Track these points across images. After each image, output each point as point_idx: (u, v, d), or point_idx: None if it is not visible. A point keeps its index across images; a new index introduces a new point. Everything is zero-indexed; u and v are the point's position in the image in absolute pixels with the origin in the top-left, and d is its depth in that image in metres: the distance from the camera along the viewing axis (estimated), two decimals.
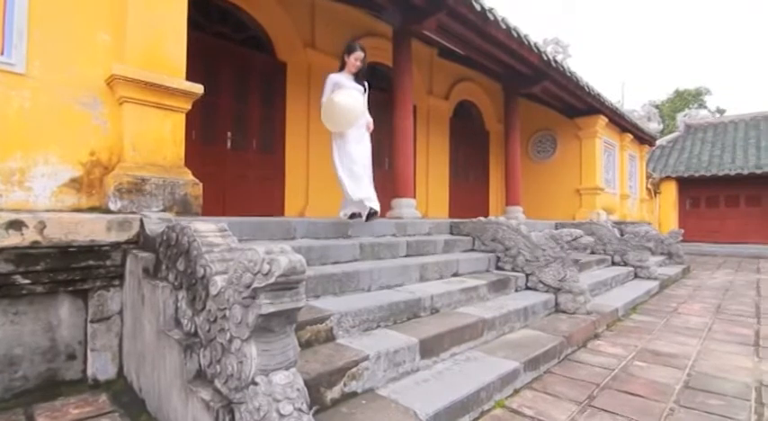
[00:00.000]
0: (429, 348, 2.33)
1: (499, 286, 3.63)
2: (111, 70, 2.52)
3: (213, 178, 4.86)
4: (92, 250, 2.24)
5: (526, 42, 5.82)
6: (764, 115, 15.54)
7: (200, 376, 1.70)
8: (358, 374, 1.92)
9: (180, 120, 2.85)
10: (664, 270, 6.87)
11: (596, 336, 3.39)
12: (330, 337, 2.19)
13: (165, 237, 2.07)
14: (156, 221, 2.36)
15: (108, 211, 2.46)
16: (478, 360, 2.43)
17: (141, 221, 2.39)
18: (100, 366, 2.30)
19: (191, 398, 1.63)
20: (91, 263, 2.25)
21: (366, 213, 3.57)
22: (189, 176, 2.85)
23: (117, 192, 2.49)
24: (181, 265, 1.89)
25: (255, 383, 1.40)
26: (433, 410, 1.79)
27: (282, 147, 5.65)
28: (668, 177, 13.95)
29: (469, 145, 8.98)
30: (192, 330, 1.78)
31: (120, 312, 2.38)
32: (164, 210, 2.64)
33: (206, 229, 1.86)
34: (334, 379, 1.82)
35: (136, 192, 2.55)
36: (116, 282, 2.37)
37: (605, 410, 2.08)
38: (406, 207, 4.99)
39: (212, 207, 4.60)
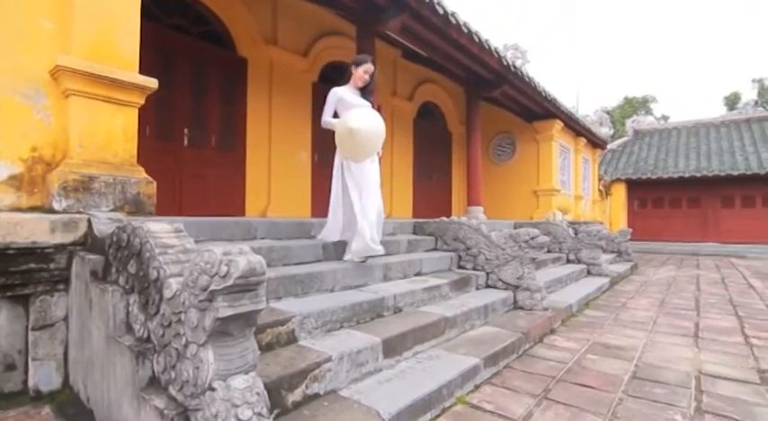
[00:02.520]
0: (392, 348, 2.34)
1: (461, 285, 3.71)
2: (56, 61, 2.37)
3: (169, 176, 4.67)
4: (33, 252, 2.10)
5: (487, 47, 5.98)
6: (703, 123, 16.73)
7: (154, 383, 1.63)
8: (320, 376, 1.90)
9: (132, 116, 2.72)
10: (614, 267, 7.24)
11: (552, 332, 3.52)
12: (292, 339, 2.15)
13: (115, 239, 1.97)
14: (105, 222, 2.23)
15: (52, 211, 2.31)
16: (441, 358, 2.47)
17: (89, 222, 2.26)
18: (43, 376, 2.15)
19: (143, 406, 1.56)
20: (32, 266, 2.10)
21: (365, 256, 3.14)
22: (142, 174, 2.72)
23: (62, 190, 2.34)
24: (132, 268, 1.80)
25: (213, 389, 1.36)
26: (396, 409, 1.80)
27: (243, 145, 5.51)
28: (618, 179, 14.73)
29: (433, 146, 9.12)
30: (145, 336, 1.70)
31: (66, 318, 2.24)
32: (114, 210, 2.51)
33: (160, 230, 1.78)
34: (295, 381, 1.80)
35: (83, 190, 2.40)
36: (61, 287, 2.22)
37: (560, 402, 2.16)
38: None
39: (168, 207, 4.42)
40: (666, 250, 13.49)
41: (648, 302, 4.95)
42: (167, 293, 1.55)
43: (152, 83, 2.72)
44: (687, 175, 13.43)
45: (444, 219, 4.67)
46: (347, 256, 3.17)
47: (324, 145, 6.54)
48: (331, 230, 3.35)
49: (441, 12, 4.92)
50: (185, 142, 4.97)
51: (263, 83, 5.66)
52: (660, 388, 2.38)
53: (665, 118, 27.02)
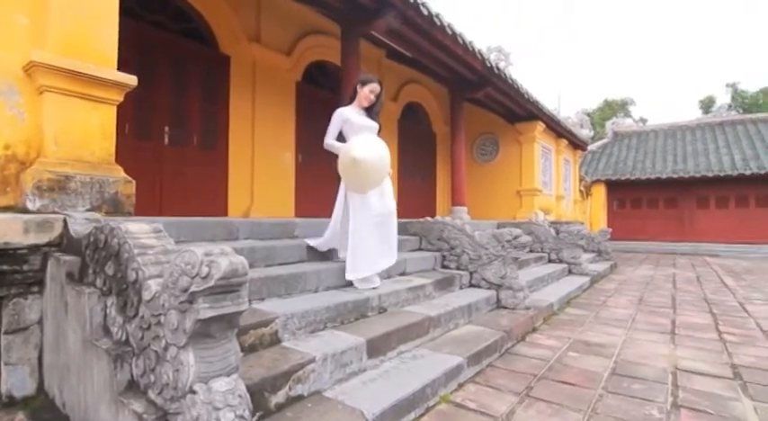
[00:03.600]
0: (376, 347, 2.34)
1: (445, 284, 3.73)
2: (30, 57, 2.30)
3: (148, 176, 4.58)
4: (5, 254, 2.03)
5: (471, 48, 6.03)
6: (680, 125, 17.20)
7: (133, 387, 1.59)
8: (304, 377, 1.89)
9: (110, 113, 2.65)
10: (594, 266, 7.39)
11: (534, 330, 3.57)
12: (275, 341, 2.13)
13: (92, 239, 1.92)
14: (81, 222, 2.18)
15: (26, 211, 2.24)
16: (425, 357, 2.47)
17: (65, 222, 2.20)
18: (16, 381, 2.08)
19: (122, 411, 1.52)
20: (4, 268, 2.03)
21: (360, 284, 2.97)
22: (120, 173, 2.66)
23: (36, 189, 2.27)
24: (110, 269, 1.76)
25: (194, 392, 1.34)
26: (380, 409, 1.80)
27: (225, 143, 5.43)
28: (598, 180, 15.03)
29: (417, 146, 9.15)
30: (123, 338, 1.67)
31: (40, 322, 2.17)
32: (91, 210, 2.44)
33: (139, 230, 1.74)
34: (278, 383, 1.78)
35: (58, 190, 2.34)
36: (35, 289, 2.16)
37: (542, 400, 2.19)
38: None
39: (148, 207, 4.33)
40: (644, 249, 13.83)
41: (627, 300, 5.07)
42: (146, 295, 1.52)
43: (131, 80, 2.66)
44: (664, 177, 13.80)
45: (429, 219, 4.69)
46: (349, 275, 2.96)
47: (308, 145, 6.51)
48: (324, 243, 3.26)
49: (426, 13, 4.94)
50: (166, 141, 4.87)
51: (247, 81, 5.60)
52: (638, 383, 2.44)
53: (644, 120, 27.66)
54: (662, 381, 2.48)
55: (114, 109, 2.68)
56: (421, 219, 4.72)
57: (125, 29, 2.83)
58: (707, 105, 28.04)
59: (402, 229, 4.80)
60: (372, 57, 7.41)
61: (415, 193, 9.04)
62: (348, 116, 3.12)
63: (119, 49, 2.69)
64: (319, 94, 6.70)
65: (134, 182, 2.71)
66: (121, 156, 2.77)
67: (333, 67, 6.64)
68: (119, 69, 2.64)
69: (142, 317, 1.55)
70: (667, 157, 15.06)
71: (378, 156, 2.84)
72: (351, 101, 3.24)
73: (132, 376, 1.60)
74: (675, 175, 13.63)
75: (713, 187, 13.53)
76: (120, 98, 2.69)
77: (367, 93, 3.15)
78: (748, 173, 12.50)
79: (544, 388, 2.35)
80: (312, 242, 3.27)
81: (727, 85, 28.11)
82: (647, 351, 3.07)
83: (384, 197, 3.08)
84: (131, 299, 1.63)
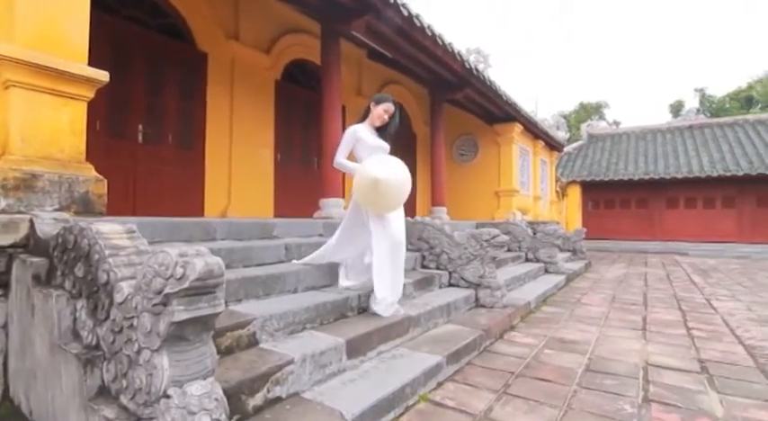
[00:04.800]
0: (356, 348, 2.33)
1: (424, 284, 3.75)
2: None
3: (121, 175, 4.46)
4: None
5: (451, 50, 6.08)
6: (651, 128, 17.77)
7: (104, 393, 1.55)
8: (282, 379, 1.87)
9: (81, 110, 2.57)
10: (570, 265, 7.55)
11: (512, 328, 3.63)
12: (253, 342, 2.10)
13: (60, 240, 1.85)
14: (49, 222, 2.10)
15: None
16: (404, 356, 2.48)
17: (31, 222, 2.12)
18: None
19: (92, 417, 1.47)
20: None
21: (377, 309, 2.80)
22: (91, 172, 2.58)
23: (1, 188, 2.17)
24: (80, 271, 1.70)
25: (168, 396, 1.30)
26: (360, 409, 1.80)
27: (202, 142, 5.33)
28: (574, 181, 15.39)
29: (398, 146, 9.09)
30: (94, 342, 1.61)
31: (5, 326, 2.08)
32: (60, 210, 2.36)
33: (110, 231, 1.69)
34: (256, 385, 1.75)
35: (25, 188, 2.25)
36: None
37: (519, 396, 2.23)
38: (335, 207, 4.96)
39: (120, 207, 4.21)
40: (618, 248, 14.23)
41: (601, 298, 5.20)
42: (118, 297, 1.48)
43: (102, 75, 2.58)
44: (636, 178, 14.23)
45: (408, 219, 4.69)
46: (375, 307, 2.79)
47: (287, 144, 6.45)
48: (318, 257, 3.13)
49: (405, 14, 4.96)
50: (140, 139, 4.75)
51: (225, 79, 5.51)
52: (611, 379, 2.50)
53: (617, 123, 28.50)
54: (633, 376, 2.56)
55: (85, 105, 2.59)
56: None
57: (98, 23, 2.75)
58: (676, 109, 29.07)
59: None
60: (353, 56, 7.39)
61: None
62: (361, 135, 2.97)
63: (91, 44, 2.61)
64: (299, 92, 6.65)
65: (106, 181, 2.63)
66: (93, 155, 2.69)
67: (313, 65, 6.60)
68: (90, 65, 2.56)
69: (114, 320, 1.51)
70: (639, 159, 15.53)
71: (401, 178, 2.74)
72: (363, 119, 3.09)
73: (103, 381, 1.55)
74: (647, 177, 14.07)
75: (682, 188, 14.03)
76: (91, 94, 2.61)
77: (381, 112, 3.01)
78: (715, 175, 13.00)
79: (521, 385, 2.39)
80: (307, 258, 3.15)
81: (696, 90, 29.24)
82: (620, 347, 3.16)
83: (399, 222, 2.95)
84: (102, 301, 1.58)
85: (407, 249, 4.49)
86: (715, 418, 2.03)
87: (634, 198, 14.99)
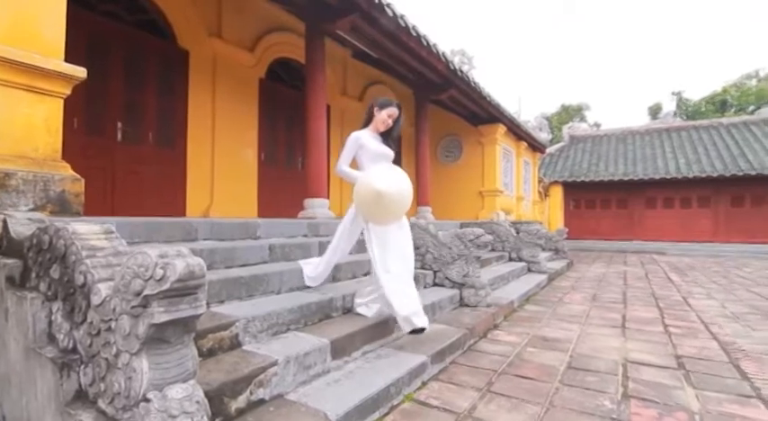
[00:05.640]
0: (341, 348, 2.32)
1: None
2: None
3: (100, 174, 4.36)
4: None
5: (435, 51, 6.11)
6: (630, 130, 18.17)
7: (81, 397, 1.51)
8: (266, 381, 1.85)
9: (57, 107, 2.50)
10: (552, 264, 7.67)
11: (495, 327, 3.66)
12: (235, 344, 2.07)
13: (35, 241, 1.79)
14: (24, 222, 2.03)
15: None
16: (389, 356, 2.48)
17: (4, 222, 2.04)
18: None
19: None
20: None
21: (409, 330, 2.64)
22: (68, 171, 2.51)
23: None
24: (55, 273, 1.65)
25: (147, 400, 1.28)
26: (344, 410, 1.79)
27: (184, 141, 5.24)
28: (556, 182, 15.64)
29: None
30: (70, 346, 1.57)
31: None
32: (35, 210, 2.29)
33: (87, 231, 1.65)
34: (239, 387, 1.73)
35: None
36: None
37: (502, 394, 2.25)
38: (319, 207, 4.94)
39: (98, 206, 4.12)
40: (598, 248, 14.52)
41: (582, 297, 5.29)
42: (96, 300, 1.44)
43: (79, 72, 2.52)
44: (616, 179, 14.53)
45: None
46: (408, 324, 2.60)
47: (271, 143, 6.39)
48: (319, 277, 3.03)
49: (390, 14, 4.97)
50: (119, 137, 4.64)
51: (207, 77, 5.43)
52: (592, 376, 2.55)
53: (598, 125, 29.05)
54: (613, 373, 2.61)
55: (61, 102, 2.52)
56: None
57: (75, 18, 2.68)
58: (654, 112, 29.78)
59: None
60: (338, 56, 7.37)
61: None
62: (364, 141, 2.86)
63: (68, 39, 2.54)
64: (283, 91, 6.59)
65: (83, 180, 2.57)
66: (70, 153, 2.62)
67: (297, 64, 6.55)
68: (67, 61, 2.49)
69: (91, 322, 1.47)
70: (619, 161, 15.87)
71: (403, 190, 2.63)
72: (366, 124, 2.98)
73: (80, 385, 1.51)
74: (626, 178, 14.38)
75: (660, 189, 14.39)
76: (68, 91, 2.54)
77: (385, 117, 2.90)
78: (691, 176, 13.37)
79: (505, 383, 2.42)
80: (308, 273, 3.01)
81: (673, 94, 30.06)
82: (600, 344, 3.22)
83: (403, 232, 2.84)
84: (79, 304, 1.54)
85: None
86: (691, 413, 2.08)
87: (614, 198, 15.31)
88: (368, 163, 2.86)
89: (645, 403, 2.19)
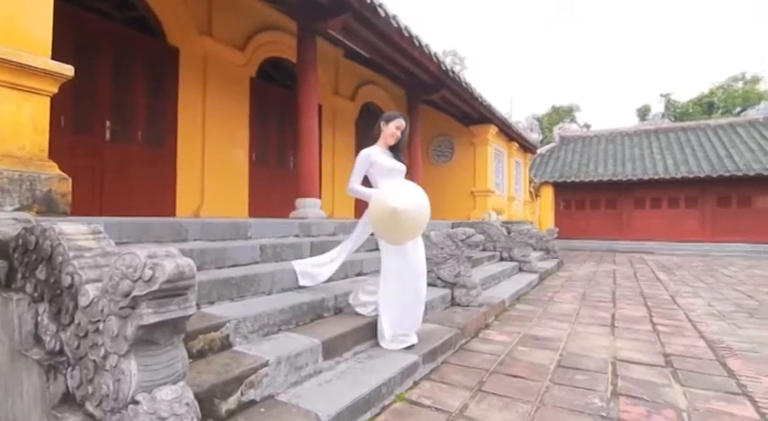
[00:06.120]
0: (332, 348, 2.32)
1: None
2: None
3: (88, 173, 4.30)
4: None
5: (427, 51, 6.12)
6: (619, 131, 18.38)
7: (68, 400, 1.49)
8: (256, 382, 1.84)
9: (44, 105, 2.46)
10: (542, 264, 7.73)
11: (487, 326, 3.68)
12: (226, 345, 2.06)
13: (21, 241, 1.76)
14: (9, 222, 1.99)
15: None
16: (381, 356, 2.48)
17: None
18: None
19: None
20: None
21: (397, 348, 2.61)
22: (55, 170, 2.47)
23: None
24: (42, 274, 1.63)
25: (136, 402, 1.26)
26: (335, 411, 1.79)
27: (173, 140, 5.19)
28: (546, 182, 15.76)
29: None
30: (57, 348, 1.55)
31: None
32: (20, 210, 2.25)
33: (75, 231, 1.62)
34: (229, 389, 1.72)
35: None
36: None
37: (494, 393, 2.26)
38: (311, 207, 4.92)
39: (86, 206, 4.07)
40: (588, 247, 14.67)
41: (572, 296, 5.34)
42: (83, 301, 1.42)
43: (67, 70, 2.48)
44: (605, 179, 14.69)
45: None
46: (382, 342, 2.65)
47: (262, 143, 6.36)
48: (316, 272, 3.00)
49: (382, 14, 4.96)
50: (107, 136, 4.58)
51: (197, 75, 5.38)
52: (581, 374, 2.57)
53: (588, 126, 29.32)
54: (603, 371, 2.64)
55: (48, 100, 2.48)
56: None
57: (63, 16, 2.63)
58: (643, 113, 30.13)
59: None
60: (329, 55, 7.35)
61: None
62: (375, 158, 2.80)
63: (55, 36, 2.50)
64: (275, 91, 6.56)
65: (70, 179, 2.53)
66: (57, 152, 2.59)
67: (288, 63, 6.52)
68: (54, 58, 2.46)
69: (78, 324, 1.45)
70: (608, 161, 16.04)
71: (420, 206, 2.53)
72: (374, 140, 2.94)
73: (67, 388, 1.49)
74: (615, 178, 14.54)
75: (648, 189, 14.58)
76: (55, 89, 2.50)
77: (393, 129, 2.88)
78: (678, 176, 13.55)
79: (496, 382, 2.43)
80: (306, 269, 2.98)
81: (661, 95, 30.41)
82: (590, 343, 3.25)
83: (418, 250, 2.79)
84: (66, 305, 1.51)
85: None
86: (679, 410, 2.11)
87: (603, 198, 15.48)
88: (381, 179, 2.80)
89: (634, 401, 2.21)
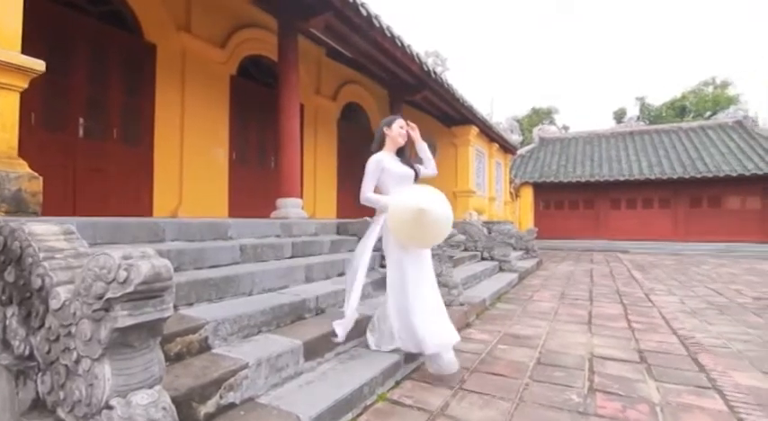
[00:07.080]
0: (314, 349, 2.30)
1: (382, 283, 3.73)
2: None
3: (60, 172, 4.17)
4: None
5: (409, 52, 6.14)
6: (597, 134, 18.82)
7: (38, 406, 1.44)
8: (236, 384, 1.81)
9: (12, 101, 2.37)
10: (522, 263, 7.85)
11: (468, 325, 3.72)
12: (205, 348, 2.02)
13: None
14: None
15: None
16: (363, 356, 2.48)
17: None
18: None
19: None
20: None
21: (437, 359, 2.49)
22: (24, 169, 2.38)
23: None
24: (10, 276, 1.57)
25: (110, 407, 1.23)
26: (317, 412, 1.78)
27: (150, 138, 5.07)
28: (526, 183, 16.02)
29: (357, 147, 9.13)
30: (27, 353, 1.49)
31: None
32: None
33: (45, 232, 1.57)
34: (208, 392, 1.69)
35: None
36: None
37: (474, 391, 2.29)
38: (292, 207, 4.88)
39: (59, 206, 3.94)
40: (566, 247, 14.96)
41: (551, 295, 5.44)
42: (54, 304, 1.37)
43: (38, 65, 2.40)
44: (583, 180, 15.04)
45: (368, 218, 4.69)
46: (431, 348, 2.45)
47: (242, 142, 6.27)
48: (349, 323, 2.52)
49: (364, 14, 4.96)
50: (80, 133, 4.44)
51: (175, 72, 5.27)
52: (560, 371, 2.62)
53: (566, 128, 29.89)
54: (580, 368, 2.69)
55: (17, 96, 2.39)
56: (360, 219, 4.72)
57: (34, 8, 2.54)
58: (619, 116, 30.93)
59: (341, 230, 4.78)
60: (311, 54, 7.30)
61: (355, 194, 8.99)
62: (386, 164, 2.71)
63: (25, 30, 2.42)
64: (256, 89, 6.47)
65: (41, 178, 2.44)
66: (27, 150, 2.50)
67: (270, 61, 6.45)
68: (25, 52, 2.37)
69: (49, 327, 1.40)
70: (586, 162, 16.41)
71: (447, 210, 2.43)
72: (379, 148, 2.84)
73: (38, 394, 1.44)
74: (593, 179, 14.89)
75: (624, 190, 14.97)
76: (25, 84, 2.41)
77: (399, 129, 2.84)
78: (653, 177, 13.96)
79: (476, 380, 2.46)
80: (339, 331, 2.47)
81: (637, 99, 31.31)
82: (568, 341, 3.32)
83: (426, 253, 2.71)
84: (36, 308, 1.46)
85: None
86: (652, 405, 2.18)
87: (581, 199, 15.83)
88: (393, 186, 2.70)
89: (609, 396, 2.27)
